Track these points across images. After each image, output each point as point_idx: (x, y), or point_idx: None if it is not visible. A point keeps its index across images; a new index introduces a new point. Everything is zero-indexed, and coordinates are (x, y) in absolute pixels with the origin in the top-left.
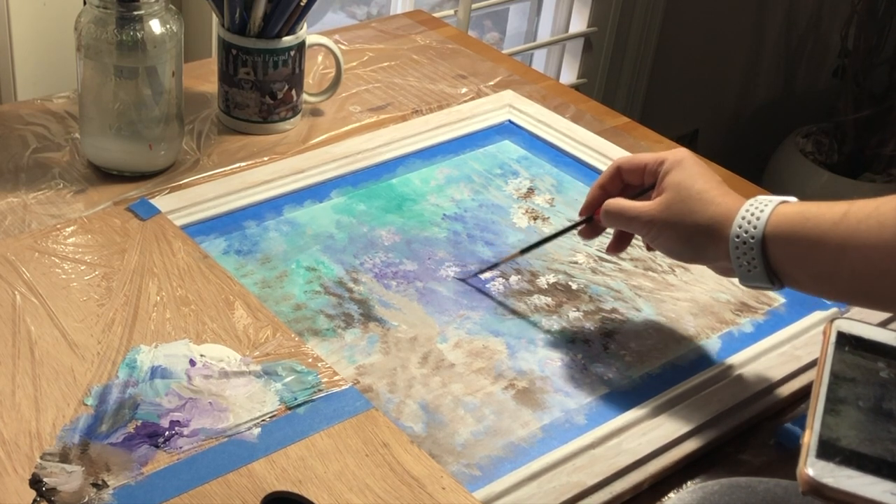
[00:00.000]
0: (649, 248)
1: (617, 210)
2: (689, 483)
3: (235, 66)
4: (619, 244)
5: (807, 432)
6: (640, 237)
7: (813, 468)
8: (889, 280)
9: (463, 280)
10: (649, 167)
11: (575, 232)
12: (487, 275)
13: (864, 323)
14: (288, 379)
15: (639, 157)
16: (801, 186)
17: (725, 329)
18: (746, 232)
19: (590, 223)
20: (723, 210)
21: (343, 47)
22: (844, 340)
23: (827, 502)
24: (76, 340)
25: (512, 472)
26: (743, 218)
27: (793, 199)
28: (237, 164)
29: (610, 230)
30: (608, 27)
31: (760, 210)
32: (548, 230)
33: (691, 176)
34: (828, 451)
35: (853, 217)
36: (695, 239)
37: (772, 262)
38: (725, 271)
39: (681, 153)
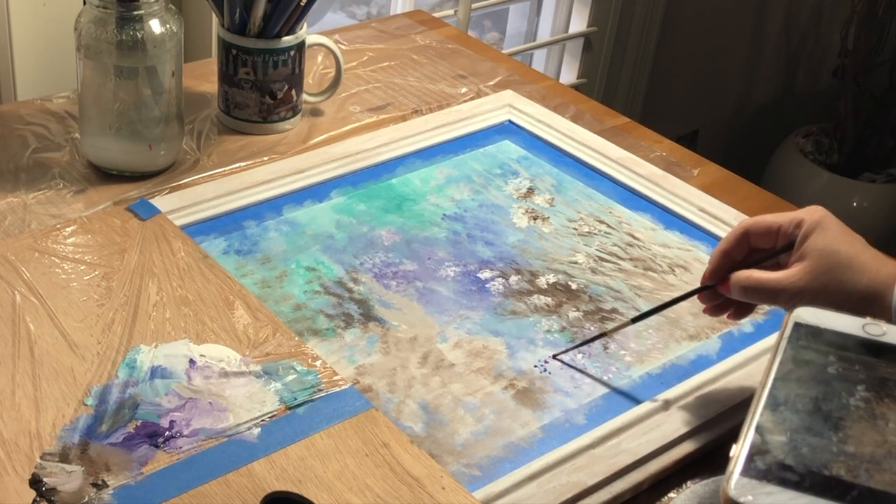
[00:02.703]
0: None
1: (755, 284)
2: (689, 483)
3: (235, 66)
4: (742, 311)
5: (738, 443)
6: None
7: (734, 487)
8: None
9: (556, 357)
10: (783, 229)
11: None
12: (488, 274)
13: (828, 310)
14: (288, 379)
15: (769, 218)
16: (801, 186)
17: (725, 329)
18: None
19: (710, 290)
20: (880, 277)
21: (343, 47)
22: (800, 332)
23: None
24: (76, 340)
25: (512, 472)
26: None
27: None
28: (237, 164)
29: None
30: (608, 27)
31: None
32: (547, 230)
33: (836, 240)
34: (754, 465)
35: None
36: (849, 310)
37: None
38: None
39: (818, 213)
